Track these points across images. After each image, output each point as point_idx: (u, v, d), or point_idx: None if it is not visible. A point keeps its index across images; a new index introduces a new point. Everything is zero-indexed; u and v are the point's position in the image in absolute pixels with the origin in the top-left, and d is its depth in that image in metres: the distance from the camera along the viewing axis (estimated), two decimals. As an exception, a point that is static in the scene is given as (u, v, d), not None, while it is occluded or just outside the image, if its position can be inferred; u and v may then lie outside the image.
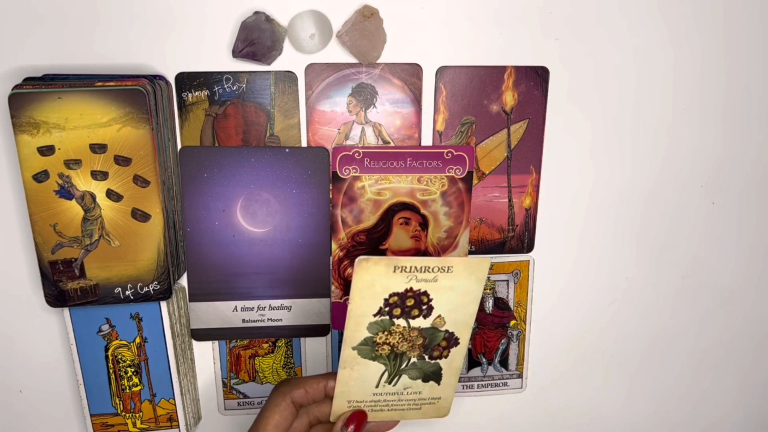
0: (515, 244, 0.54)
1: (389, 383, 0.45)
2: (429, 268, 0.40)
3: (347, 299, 0.52)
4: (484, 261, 0.40)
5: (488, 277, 0.54)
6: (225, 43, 0.46)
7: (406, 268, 0.40)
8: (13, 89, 0.42)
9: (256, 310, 0.51)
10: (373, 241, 0.51)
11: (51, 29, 0.44)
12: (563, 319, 0.57)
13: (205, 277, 0.50)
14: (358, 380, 0.44)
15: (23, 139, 0.42)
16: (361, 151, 0.48)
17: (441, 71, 0.49)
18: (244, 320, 0.51)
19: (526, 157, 0.51)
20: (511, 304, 0.55)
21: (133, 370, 0.51)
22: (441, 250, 0.51)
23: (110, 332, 0.50)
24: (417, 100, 0.49)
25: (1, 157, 0.47)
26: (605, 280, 0.56)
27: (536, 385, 0.58)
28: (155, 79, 0.45)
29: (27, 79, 0.44)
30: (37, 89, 0.42)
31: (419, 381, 0.45)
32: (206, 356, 0.54)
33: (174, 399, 0.52)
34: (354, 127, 0.49)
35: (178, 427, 0.53)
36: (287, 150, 0.48)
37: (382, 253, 0.51)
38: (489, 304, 0.55)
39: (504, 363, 0.57)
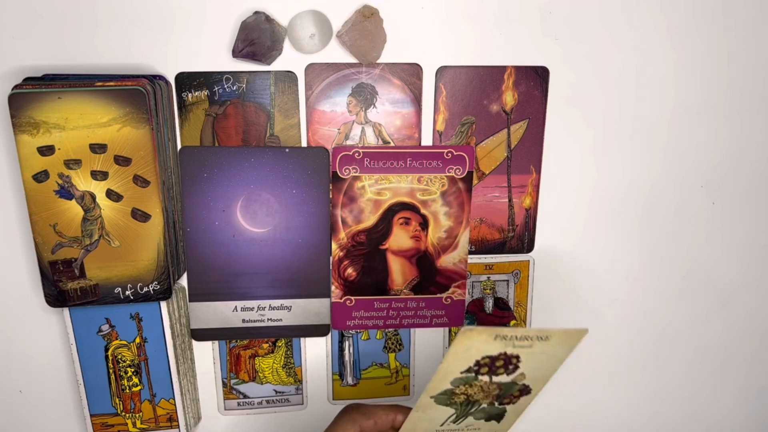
0: (515, 244, 0.54)
1: (454, 422, 0.45)
2: (528, 337, 0.39)
3: (347, 299, 0.52)
4: (581, 332, 0.39)
5: (488, 277, 0.54)
6: (225, 43, 0.46)
7: (506, 337, 0.39)
8: (13, 89, 0.42)
9: (256, 310, 0.51)
10: (373, 241, 0.51)
11: (51, 29, 0.44)
12: (563, 319, 0.57)
13: (205, 277, 0.50)
14: (426, 420, 0.44)
15: (23, 139, 0.42)
16: (361, 151, 0.48)
17: (441, 71, 0.49)
18: (244, 320, 0.51)
19: (526, 157, 0.51)
20: (511, 304, 0.55)
21: (133, 370, 0.51)
22: (441, 250, 0.51)
23: (110, 332, 0.50)
24: (417, 100, 0.49)
25: (1, 157, 0.47)
26: (605, 280, 0.56)
27: (536, 385, 0.58)
28: (155, 79, 0.45)
29: (27, 79, 0.44)
30: (37, 89, 0.42)
31: (482, 421, 0.45)
32: (206, 356, 0.54)
33: (174, 399, 0.52)
34: (354, 127, 0.49)
35: (178, 427, 0.53)
36: (287, 150, 0.48)
37: (383, 253, 0.51)
38: (489, 305, 0.55)
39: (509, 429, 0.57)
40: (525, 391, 0.44)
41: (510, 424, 0.46)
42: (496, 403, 0.44)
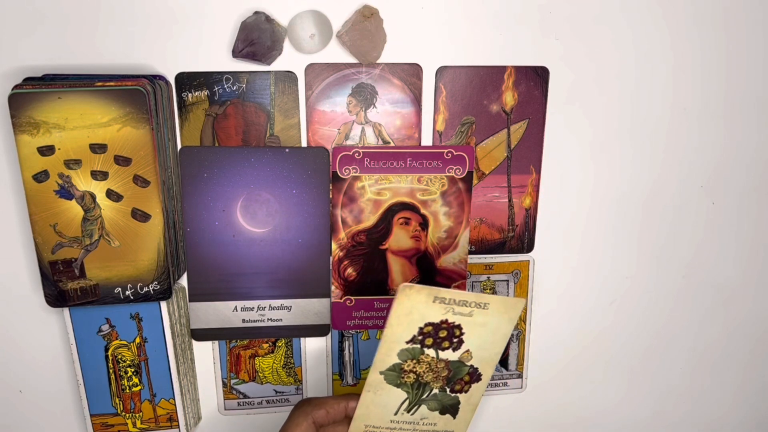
0: (515, 244, 0.54)
1: (408, 411, 0.45)
2: (467, 302, 0.41)
3: (347, 299, 0.52)
4: (520, 301, 0.41)
5: (488, 277, 0.54)
6: (225, 43, 0.46)
7: (445, 299, 0.40)
8: (13, 89, 0.42)
9: (256, 310, 0.51)
10: (373, 241, 0.51)
11: (51, 29, 0.44)
12: (563, 319, 0.57)
13: (205, 277, 0.50)
14: (379, 405, 0.45)
15: (23, 139, 0.42)
16: (361, 151, 0.48)
17: (441, 71, 0.49)
18: (244, 320, 0.51)
19: (526, 157, 0.51)
20: (511, 304, 0.55)
21: (133, 370, 0.51)
22: (441, 250, 0.51)
23: (110, 332, 0.50)
24: (417, 100, 0.49)
25: (1, 157, 0.47)
26: (605, 280, 0.56)
27: (536, 385, 0.58)
28: (155, 79, 0.45)
29: (27, 79, 0.44)
30: (37, 89, 0.42)
31: (436, 413, 0.46)
32: (206, 356, 0.54)
33: (174, 399, 0.52)
34: (354, 127, 0.49)
35: (178, 427, 0.53)
36: (287, 150, 0.48)
37: (383, 253, 0.51)
38: (489, 304, 0.55)
39: (504, 363, 0.57)
40: (475, 375, 0.44)
41: (466, 423, 0.47)
42: (448, 389, 0.45)
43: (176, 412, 0.52)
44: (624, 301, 0.57)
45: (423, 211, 0.50)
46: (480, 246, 0.53)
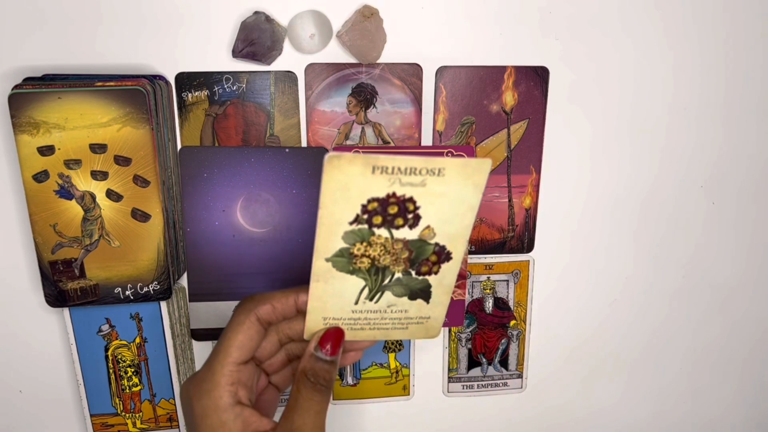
0: (515, 244, 0.54)
1: (370, 300, 0.39)
2: (415, 170, 0.34)
3: None
4: (484, 162, 0.34)
5: (488, 277, 0.54)
6: (225, 43, 0.46)
7: (387, 168, 0.33)
8: (13, 89, 0.42)
9: (256, 310, 0.51)
10: (373, 241, 0.51)
11: (51, 29, 0.44)
12: (563, 319, 0.57)
13: (205, 277, 0.50)
14: (334, 295, 0.39)
15: (23, 139, 0.42)
16: (361, 151, 0.48)
17: (441, 71, 0.49)
18: (244, 320, 0.51)
19: (526, 157, 0.51)
20: (511, 304, 0.55)
21: (133, 370, 0.51)
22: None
23: (110, 332, 0.50)
24: (417, 100, 0.49)
25: (1, 157, 0.47)
26: (605, 279, 0.56)
27: (536, 385, 0.58)
28: (155, 79, 0.45)
29: (27, 79, 0.44)
30: (37, 89, 0.42)
31: (405, 299, 0.40)
32: (206, 356, 0.54)
33: (174, 399, 0.52)
34: (354, 127, 0.49)
35: (178, 427, 0.53)
36: (287, 150, 0.48)
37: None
38: (489, 304, 0.55)
39: (504, 363, 0.57)
40: (443, 254, 0.38)
41: (443, 306, 0.41)
42: (413, 273, 0.38)
43: (176, 412, 0.52)
44: (624, 300, 0.57)
45: (423, 211, 0.50)
46: (480, 246, 0.53)
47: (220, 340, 0.39)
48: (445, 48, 0.48)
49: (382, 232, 0.36)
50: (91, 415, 0.51)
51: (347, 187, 0.34)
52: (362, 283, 0.38)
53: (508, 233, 0.53)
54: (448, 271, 0.39)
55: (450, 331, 0.56)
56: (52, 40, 0.45)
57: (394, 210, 0.35)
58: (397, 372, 0.56)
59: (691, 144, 0.53)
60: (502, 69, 0.49)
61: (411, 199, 0.35)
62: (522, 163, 0.52)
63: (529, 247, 0.54)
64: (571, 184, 0.53)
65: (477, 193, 0.35)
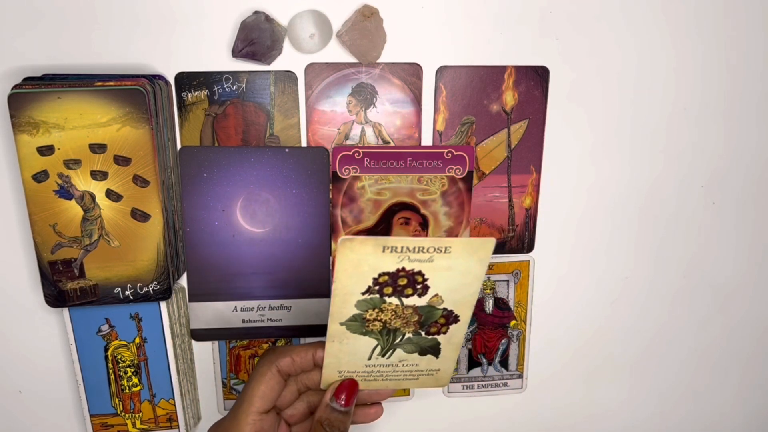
0: (515, 244, 0.54)
1: (382, 356, 0.42)
2: (423, 248, 0.36)
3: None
4: (488, 241, 0.36)
5: (488, 277, 0.54)
6: (225, 42, 0.46)
7: (396, 248, 0.36)
8: (12, 89, 0.42)
9: (256, 311, 0.51)
10: (373, 241, 0.51)
11: (50, 29, 0.44)
12: (563, 319, 0.57)
13: (205, 277, 0.50)
14: (349, 353, 0.41)
15: (23, 139, 0.42)
16: (361, 151, 0.48)
17: (441, 71, 0.49)
18: (243, 320, 0.51)
19: (526, 157, 0.51)
20: (511, 304, 0.55)
21: (132, 370, 0.51)
22: (441, 250, 0.51)
23: (110, 332, 0.50)
24: (417, 100, 0.49)
25: (1, 157, 0.47)
26: (605, 280, 0.56)
27: (536, 386, 0.58)
28: (155, 79, 0.45)
29: (26, 79, 0.44)
30: (36, 89, 0.42)
31: (415, 354, 0.42)
32: (206, 356, 0.54)
33: (174, 399, 0.52)
34: (354, 127, 0.49)
35: (178, 428, 0.53)
36: (287, 150, 0.48)
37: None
38: (489, 304, 0.55)
39: (504, 363, 0.57)
40: (451, 317, 0.40)
41: (452, 360, 0.43)
42: (423, 333, 0.41)
43: (176, 412, 0.52)
44: (624, 300, 0.57)
45: (423, 211, 0.50)
46: (480, 246, 0.53)
47: (244, 390, 0.42)
48: (445, 48, 0.48)
49: (393, 300, 0.39)
50: (91, 416, 0.51)
51: (359, 264, 0.36)
52: (375, 342, 0.41)
53: (508, 233, 0.53)
54: (457, 331, 0.41)
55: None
56: (52, 39, 0.45)
57: (404, 282, 0.38)
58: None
59: (691, 144, 0.53)
60: (502, 69, 0.49)
61: (420, 273, 0.37)
62: (522, 163, 0.51)
63: (529, 247, 0.54)
64: (571, 184, 0.53)
65: (482, 267, 0.38)
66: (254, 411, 0.41)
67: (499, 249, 0.53)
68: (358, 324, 0.40)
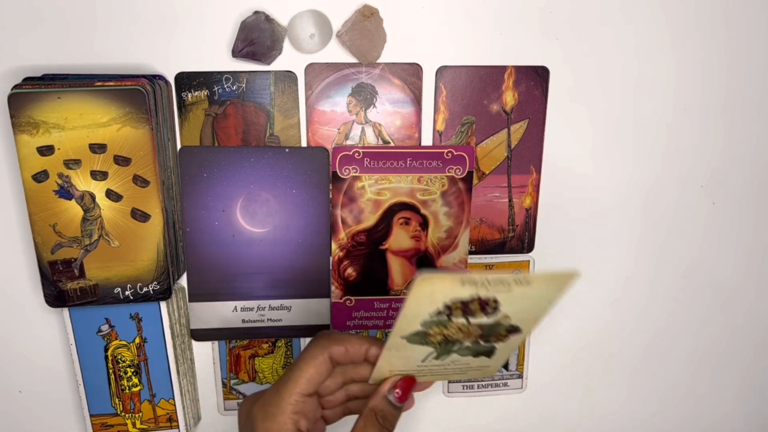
0: (515, 244, 0.54)
1: (436, 359, 0.41)
2: (504, 281, 0.35)
3: (347, 299, 0.52)
4: (573, 275, 0.35)
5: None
6: (225, 42, 0.46)
7: (476, 281, 0.35)
8: (12, 89, 0.42)
9: (256, 311, 0.51)
10: (373, 242, 0.51)
11: (50, 29, 0.44)
12: (563, 319, 0.57)
13: (205, 277, 0.50)
14: (404, 357, 0.41)
15: (23, 139, 0.42)
16: (361, 151, 0.48)
17: (441, 71, 0.49)
18: (243, 320, 0.51)
19: (526, 157, 0.51)
20: (511, 304, 0.55)
21: (132, 370, 0.51)
22: (441, 250, 0.51)
23: (110, 332, 0.50)
24: (417, 100, 0.49)
25: (1, 157, 0.47)
26: (605, 280, 0.56)
27: (536, 385, 0.58)
28: (155, 79, 0.45)
29: (27, 79, 0.44)
30: (36, 89, 0.42)
31: (469, 356, 0.42)
32: (206, 356, 0.54)
33: (174, 399, 0.52)
34: (354, 127, 0.49)
35: (178, 428, 0.53)
36: (287, 150, 0.48)
37: (383, 253, 0.51)
38: (489, 304, 0.55)
39: (504, 363, 0.57)
40: (514, 330, 0.40)
41: (503, 360, 0.43)
42: (482, 342, 0.40)
43: (176, 412, 0.52)
44: (624, 301, 0.57)
45: (423, 211, 0.50)
46: (480, 246, 0.53)
47: (292, 368, 0.41)
48: (445, 48, 0.48)
49: (459, 321, 0.38)
50: (91, 416, 0.51)
51: (434, 294, 0.36)
52: (431, 349, 0.40)
53: (508, 233, 0.53)
54: (516, 339, 0.40)
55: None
56: (52, 39, 0.45)
57: (476, 306, 0.37)
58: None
59: (691, 144, 0.53)
60: (502, 69, 0.49)
61: (494, 299, 0.36)
62: (522, 163, 0.51)
63: (529, 247, 0.54)
64: (571, 184, 0.53)
65: (558, 294, 0.36)
66: (298, 392, 0.40)
67: (499, 249, 0.53)
68: (419, 337, 0.39)
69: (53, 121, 0.42)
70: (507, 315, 0.38)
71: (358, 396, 0.44)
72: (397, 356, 0.41)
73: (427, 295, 0.36)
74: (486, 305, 0.37)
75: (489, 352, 0.42)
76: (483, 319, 0.38)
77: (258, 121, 0.48)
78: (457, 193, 0.50)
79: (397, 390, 0.41)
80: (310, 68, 0.47)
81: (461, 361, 0.42)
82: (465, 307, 0.37)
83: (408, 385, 0.42)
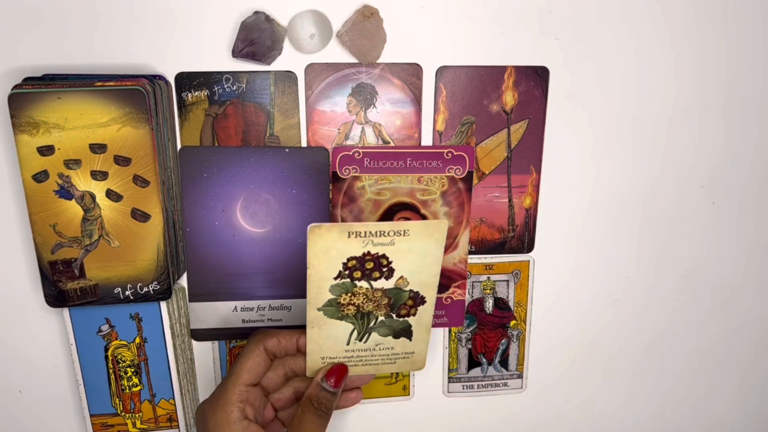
0: (515, 244, 0.54)
1: (360, 340, 0.46)
2: (384, 232, 0.41)
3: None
4: (442, 222, 0.41)
5: (488, 277, 0.54)
6: (225, 43, 0.46)
7: (360, 233, 0.40)
8: (12, 89, 0.42)
9: (256, 311, 0.51)
10: (373, 241, 0.51)
11: (51, 29, 0.44)
12: (563, 319, 0.57)
13: (205, 277, 0.50)
14: (328, 338, 0.45)
15: (23, 139, 0.42)
16: (361, 151, 0.48)
17: (441, 71, 0.49)
18: (243, 320, 0.51)
19: (526, 157, 0.51)
20: (511, 304, 0.55)
21: (132, 370, 0.51)
22: (441, 250, 0.51)
23: (110, 332, 0.50)
24: (417, 100, 0.49)
25: (1, 157, 0.47)
26: (605, 280, 0.56)
27: (536, 385, 0.58)
28: (155, 79, 0.45)
29: (27, 79, 0.44)
30: (36, 89, 0.42)
31: (390, 338, 0.46)
32: (206, 356, 0.54)
33: (174, 399, 0.52)
34: (354, 127, 0.49)
35: (178, 428, 0.53)
36: (287, 150, 0.48)
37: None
38: (489, 304, 0.55)
39: (504, 363, 0.57)
40: (418, 298, 0.45)
41: (424, 342, 0.47)
42: (394, 315, 0.45)
43: (176, 412, 0.52)
44: (624, 301, 0.57)
45: (423, 211, 0.50)
46: (480, 246, 0.53)
47: (233, 366, 0.45)
48: (445, 48, 0.48)
49: (363, 284, 0.43)
50: (91, 415, 0.51)
51: (329, 249, 0.41)
52: (351, 326, 0.45)
53: (508, 233, 0.53)
54: (425, 312, 0.46)
55: (450, 331, 0.56)
56: (52, 40, 0.45)
57: (371, 265, 0.42)
58: (397, 372, 0.56)
59: (691, 144, 0.53)
60: (502, 69, 0.49)
61: (384, 256, 0.42)
62: (522, 163, 0.51)
63: (529, 247, 0.54)
64: (571, 184, 0.53)
65: (439, 248, 0.42)
66: (241, 383, 0.44)
67: (499, 249, 0.53)
68: (333, 309, 0.44)
69: (53, 121, 0.42)
70: (403, 277, 0.43)
71: (304, 390, 0.47)
72: (323, 337, 0.45)
73: (323, 251, 0.40)
74: (379, 263, 0.42)
75: (407, 332, 0.46)
76: (383, 283, 0.43)
77: (258, 121, 0.48)
78: (457, 193, 0.50)
79: (330, 379, 0.45)
80: (310, 68, 0.47)
81: (385, 344, 0.46)
82: (362, 267, 0.42)
83: (340, 372, 0.46)
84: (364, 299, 0.44)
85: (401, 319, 0.45)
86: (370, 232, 0.40)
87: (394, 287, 0.44)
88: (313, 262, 0.41)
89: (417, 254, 0.42)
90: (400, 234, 0.41)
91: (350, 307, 0.44)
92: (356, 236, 0.40)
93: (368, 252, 0.41)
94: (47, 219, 0.44)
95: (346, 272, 0.42)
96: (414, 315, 0.45)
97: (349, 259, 0.41)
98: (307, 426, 0.44)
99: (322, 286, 0.42)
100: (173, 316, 0.50)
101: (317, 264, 0.41)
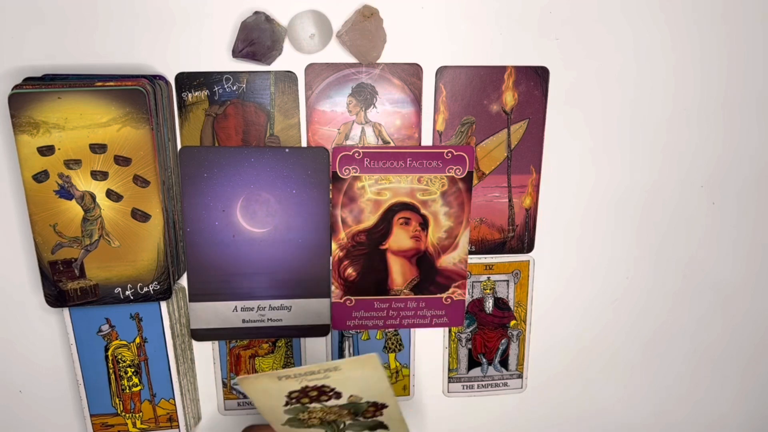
0: (515, 244, 0.54)
1: None
2: (314, 372, 0.38)
3: (347, 299, 0.52)
4: (370, 357, 0.38)
5: (488, 277, 0.54)
6: (225, 43, 0.46)
7: (290, 375, 0.38)
8: (13, 89, 0.42)
9: (256, 311, 0.51)
10: (373, 242, 0.51)
11: (51, 29, 0.44)
12: (563, 319, 0.57)
13: (205, 277, 0.50)
14: None
15: (23, 139, 0.42)
16: (361, 151, 0.48)
17: (441, 71, 0.49)
18: (244, 320, 0.51)
19: (526, 157, 0.51)
20: (511, 304, 0.55)
21: (133, 370, 0.51)
22: (441, 250, 0.51)
23: (110, 332, 0.50)
24: (417, 100, 0.49)
25: (1, 157, 0.47)
26: (605, 279, 0.56)
27: (536, 386, 0.58)
28: (155, 79, 0.45)
29: (27, 79, 0.44)
30: (37, 89, 0.42)
31: (367, 431, 0.45)
32: (206, 356, 0.54)
33: (174, 399, 0.52)
34: (354, 127, 0.49)
35: (178, 427, 0.53)
36: (287, 150, 0.48)
37: (383, 253, 0.51)
38: (489, 305, 0.55)
39: (504, 363, 0.57)
40: (378, 406, 0.42)
41: (402, 422, 0.44)
42: (361, 419, 0.43)
43: (176, 412, 0.52)
44: (624, 300, 0.57)
45: (423, 211, 0.50)
46: (480, 246, 0.53)
47: None
48: (445, 48, 0.48)
49: (315, 405, 0.41)
50: (91, 415, 0.51)
51: (266, 390, 0.39)
52: (323, 431, 0.44)
53: (508, 233, 0.53)
54: (392, 410, 0.43)
55: (450, 331, 0.56)
56: (53, 40, 0.45)
57: (315, 394, 0.40)
58: (397, 372, 0.56)
59: (691, 144, 0.53)
60: (502, 69, 0.49)
61: (324, 386, 0.40)
62: (522, 163, 0.51)
63: (529, 247, 0.54)
64: (571, 184, 0.53)
65: (377, 372, 0.39)
66: None
67: (499, 249, 0.54)
68: (298, 422, 0.43)
69: (53, 121, 0.42)
70: (354, 395, 0.41)
71: None
72: None
73: (261, 392, 0.39)
74: (323, 392, 0.40)
75: (382, 425, 0.44)
76: (335, 402, 0.41)
77: (258, 121, 0.48)
78: (457, 193, 0.50)
79: None
80: (310, 68, 0.47)
81: None
82: (307, 396, 0.40)
83: None
84: (323, 413, 0.42)
85: (370, 420, 0.44)
86: (300, 374, 0.38)
87: (348, 402, 0.41)
88: (257, 402, 0.40)
89: (357, 380, 0.40)
90: (332, 370, 0.38)
91: (313, 419, 0.43)
92: (287, 378, 0.38)
93: (306, 386, 0.39)
94: (47, 219, 0.44)
95: (293, 400, 0.40)
96: (381, 415, 0.43)
97: (291, 393, 0.40)
98: None
99: (275, 412, 0.41)
100: (173, 316, 0.50)
101: (262, 402, 0.40)
